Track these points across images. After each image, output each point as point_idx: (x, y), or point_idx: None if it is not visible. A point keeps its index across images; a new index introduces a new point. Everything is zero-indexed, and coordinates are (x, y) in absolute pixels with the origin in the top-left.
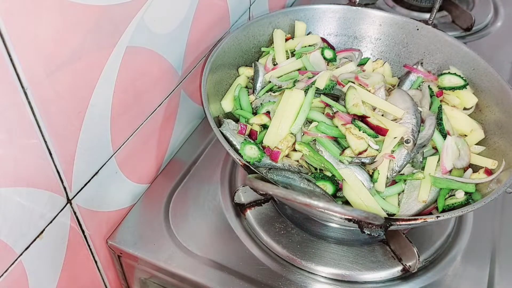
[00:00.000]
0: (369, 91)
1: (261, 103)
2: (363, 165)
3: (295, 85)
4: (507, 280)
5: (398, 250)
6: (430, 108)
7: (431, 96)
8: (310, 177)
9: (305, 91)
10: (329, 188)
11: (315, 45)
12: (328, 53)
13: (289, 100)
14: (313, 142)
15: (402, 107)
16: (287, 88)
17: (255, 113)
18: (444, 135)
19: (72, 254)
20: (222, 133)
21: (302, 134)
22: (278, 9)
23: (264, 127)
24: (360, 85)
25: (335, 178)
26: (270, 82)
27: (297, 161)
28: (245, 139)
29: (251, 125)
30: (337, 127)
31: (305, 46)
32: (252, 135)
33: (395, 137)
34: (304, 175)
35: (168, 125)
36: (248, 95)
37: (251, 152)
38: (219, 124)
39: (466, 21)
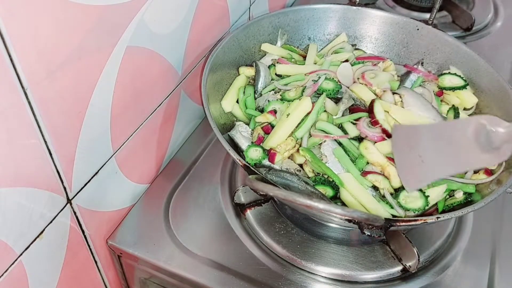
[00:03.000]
0: (374, 91)
1: (268, 100)
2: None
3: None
4: (507, 280)
5: (398, 250)
6: None
7: None
8: (309, 179)
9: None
10: (329, 192)
11: (343, 47)
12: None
13: (297, 108)
14: (318, 145)
15: (427, 115)
16: (288, 91)
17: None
18: None
19: (72, 254)
20: (230, 136)
21: (309, 136)
22: (278, 9)
23: (271, 125)
24: (366, 85)
25: (336, 184)
26: (272, 81)
27: (300, 165)
28: (252, 142)
29: (260, 124)
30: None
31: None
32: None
33: None
34: (302, 177)
35: (168, 125)
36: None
37: (254, 154)
38: (231, 127)
39: (466, 21)
